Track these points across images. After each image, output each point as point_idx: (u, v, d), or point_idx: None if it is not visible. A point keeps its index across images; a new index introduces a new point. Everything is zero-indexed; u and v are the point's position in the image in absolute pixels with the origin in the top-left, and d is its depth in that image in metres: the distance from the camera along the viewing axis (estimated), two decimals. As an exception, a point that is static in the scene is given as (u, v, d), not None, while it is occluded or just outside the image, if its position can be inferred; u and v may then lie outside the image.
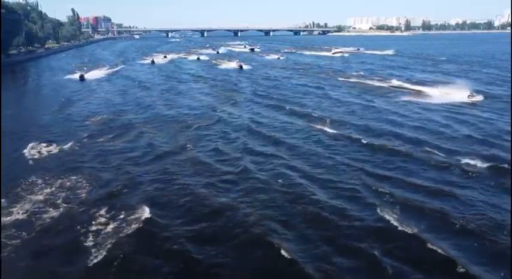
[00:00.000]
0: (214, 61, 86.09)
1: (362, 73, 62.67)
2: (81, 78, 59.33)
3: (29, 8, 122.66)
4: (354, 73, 63.25)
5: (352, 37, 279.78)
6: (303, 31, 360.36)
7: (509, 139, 25.10)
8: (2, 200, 17.11)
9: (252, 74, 64.70)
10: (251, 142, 26.13)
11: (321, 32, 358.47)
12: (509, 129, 27.63)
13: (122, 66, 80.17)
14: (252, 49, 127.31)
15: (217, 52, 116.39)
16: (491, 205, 16.54)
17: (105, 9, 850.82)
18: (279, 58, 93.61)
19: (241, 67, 70.46)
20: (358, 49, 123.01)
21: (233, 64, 75.28)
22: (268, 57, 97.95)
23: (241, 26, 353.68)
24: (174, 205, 17.28)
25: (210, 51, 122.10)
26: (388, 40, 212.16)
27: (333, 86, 51.33)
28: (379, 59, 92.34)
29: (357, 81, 55.01)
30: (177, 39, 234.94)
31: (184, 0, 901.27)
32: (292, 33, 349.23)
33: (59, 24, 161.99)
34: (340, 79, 57.20)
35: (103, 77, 64.49)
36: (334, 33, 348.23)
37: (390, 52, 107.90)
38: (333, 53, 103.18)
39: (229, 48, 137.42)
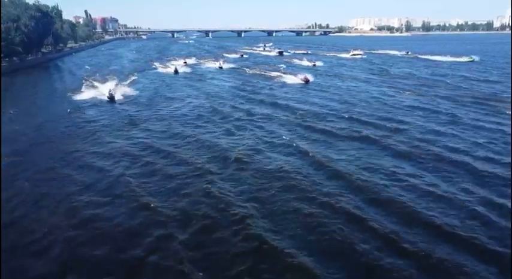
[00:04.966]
0: (256, 73, 65.10)
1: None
2: (111, 98, 42.34)
3: (54, 10, 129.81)
4: None
5: (353, 37, 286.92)
6: (305, 32, 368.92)
7: None
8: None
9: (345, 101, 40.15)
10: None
11: (322, 33, 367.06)
12: None
13: (136, 78, 60.13)
14: (281, 53, 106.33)
15: (241, 55, 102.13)
16: None
17: (107, 9, 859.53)
18: (314, 65, 74.52)
19: (307, 81, 53.27)
20: (408, 52, 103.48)
21: (293, 78, 55.67)
22: (299, 62, 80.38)
23: (245, 26, 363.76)
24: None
25: (232, 55, 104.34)
26: (398, 40, 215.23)
27: None
28: (478, 69, 66.51)
29: None
30: (186, 41, 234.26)
31: (188, 1, 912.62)
32: (294, 34, 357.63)
33: (73, 25, 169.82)
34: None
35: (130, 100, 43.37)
36: (336, 34, 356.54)
37: (474, 58, 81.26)
38: (352, 55, 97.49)
39: (250, 51, 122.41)
